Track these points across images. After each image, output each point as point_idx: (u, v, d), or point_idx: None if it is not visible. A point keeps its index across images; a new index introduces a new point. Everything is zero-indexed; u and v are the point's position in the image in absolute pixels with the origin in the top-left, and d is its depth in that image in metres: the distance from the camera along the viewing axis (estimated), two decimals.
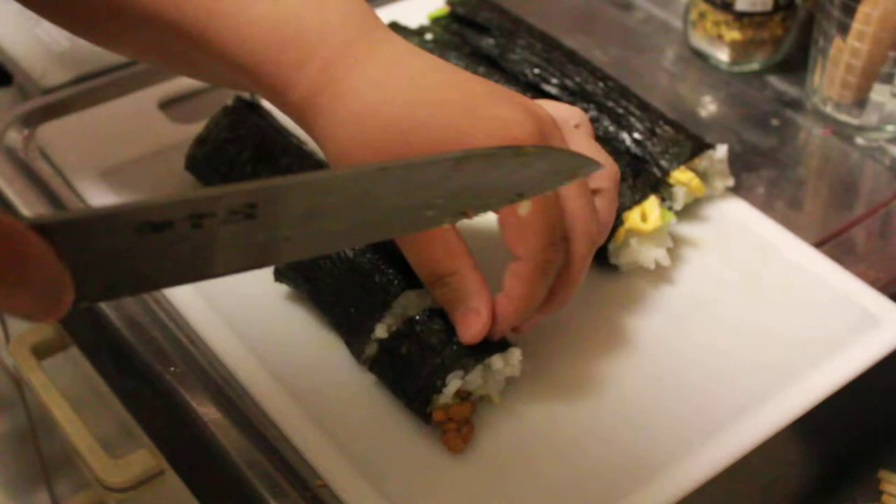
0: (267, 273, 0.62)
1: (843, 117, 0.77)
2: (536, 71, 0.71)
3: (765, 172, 0.74)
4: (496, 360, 0.55)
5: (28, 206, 0.68)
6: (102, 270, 0.44)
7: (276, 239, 0.46)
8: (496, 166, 0.45)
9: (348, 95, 0.52)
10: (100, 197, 0.68)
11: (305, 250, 0.48)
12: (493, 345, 0.55)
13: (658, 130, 0.68)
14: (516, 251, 0.52)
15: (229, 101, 0.67)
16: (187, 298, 0.62)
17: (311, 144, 0.66)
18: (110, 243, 0.43)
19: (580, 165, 0.47)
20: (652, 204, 0.63)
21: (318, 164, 0.64)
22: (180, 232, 0.44)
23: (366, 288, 0.57)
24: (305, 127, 0.54)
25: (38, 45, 0.81)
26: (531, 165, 0.46)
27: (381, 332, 0.56)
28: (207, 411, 0.57)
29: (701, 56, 0.84)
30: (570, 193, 0.53)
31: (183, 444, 0.58)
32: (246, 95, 0.67)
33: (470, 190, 0.45)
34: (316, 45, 0.52)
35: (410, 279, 0.57)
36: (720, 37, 0.81)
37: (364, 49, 0.52)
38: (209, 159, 0.67)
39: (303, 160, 0.64)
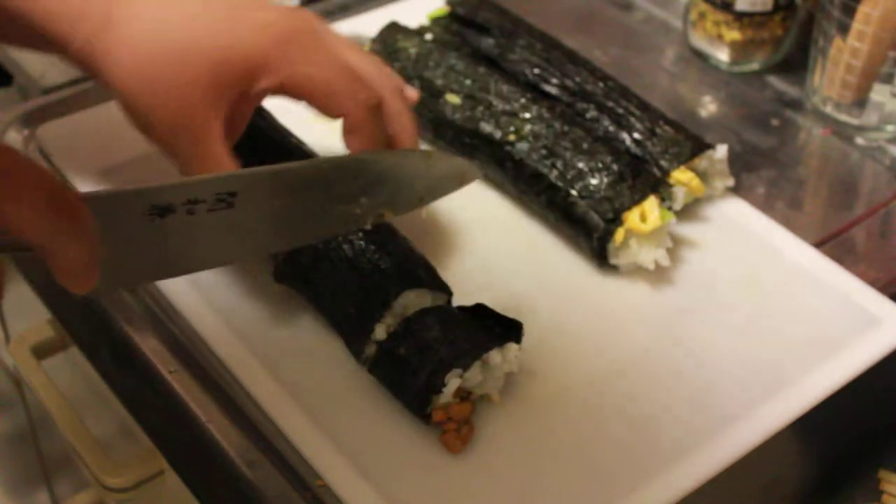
0: (266, 273, 0.62)
1: (843, 117, 0.77)
2: (536, 71, 0.71)
3: (765, 172, 0.74)
4: (494, 356, 0.55)
5: None
6: (114, 256, 0.48)
7: (250, 230, 0.53)
8: (408, 163, 0.56)
9: (122, 34, 0.55)
10: None
11: (271, 243, 0.55)
12: (489, 339, 0.55)
13: (658, 130, 0.68)
14: (334, 112, 0.57)
15: None
16: (187, 298, 0.62)
17: (311, 145, 0.66)
18: (124, 226, 0.49)
19: (470, 171, 0.59)
20: (651, 204, 0.63)
21: None
22: (179, 218, 0.50)
23: (365, 288, 0.57)
24: (92, 72, 0.57)
25: None
26: (435, 167, 0.57)
27: (380, 332, 0.56)
28: (207, 411, 0.57)
29: (701, 56, 0.84)
30: (354, 58, 0.58)
31: (183, 444, 0.58)
32: None
33: (387, 183, 0.55)
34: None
35: (409, 279, 0.57)
36: (720, 37, 0.81)
37: None
38: None
39: (302, 160, 0.64)
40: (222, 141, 0.56)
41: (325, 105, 0.57)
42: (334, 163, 0.54)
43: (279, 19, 0.56)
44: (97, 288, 0.47)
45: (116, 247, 0.48)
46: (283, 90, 0.57)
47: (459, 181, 0.60)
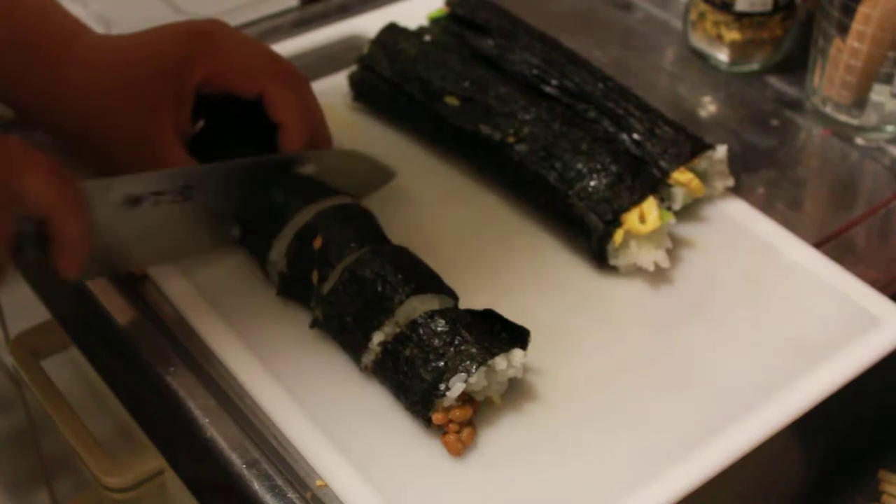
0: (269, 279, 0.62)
1: (843, 117, 0.77)
2: (536, 72, 0.71)
3: (765, 172, 0.74)
4: (499, 361, 0.55)
5: None
6: (95, 243, 0.54)
7: (203, 221, 0.61)
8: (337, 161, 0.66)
9: (80, 63, 0.63)
10: None
11: (224, 234, 0.62)
12: (495, 345, 0.55)
13: (657, 131, 0.68)
14: (256, 88, 0.64)
15: None
16: (187, 298, 0.62)
17: None
18: (102, 214, 0.56)
19: (387, 171, 0.69)
20: (651, 205, 0.63)
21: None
22: (147, 209, 0.57)
23: (366, 296, 0.57)
24: (47, 114, 0.64)
25: None
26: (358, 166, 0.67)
27: (378, 339, 0.56)
28: (207, 411, 0.57)
29: (701, 56, 0.84)
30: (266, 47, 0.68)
31: (183, 444, 0.58)
32: None
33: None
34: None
35: (415, 286, 0.57)
36: (720, 37, 0.82)
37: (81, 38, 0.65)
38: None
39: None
40: (179, 145, 0.63)
41: (244, 81, 0.64)
42: (274, 159, 0.63)
43: (192, 24, 0.65)
44: (84, 273, 0.54)
45: (97, 233, 0.55)
46: (210, 83, 0.63)
47: (382, 181, 0.68)
